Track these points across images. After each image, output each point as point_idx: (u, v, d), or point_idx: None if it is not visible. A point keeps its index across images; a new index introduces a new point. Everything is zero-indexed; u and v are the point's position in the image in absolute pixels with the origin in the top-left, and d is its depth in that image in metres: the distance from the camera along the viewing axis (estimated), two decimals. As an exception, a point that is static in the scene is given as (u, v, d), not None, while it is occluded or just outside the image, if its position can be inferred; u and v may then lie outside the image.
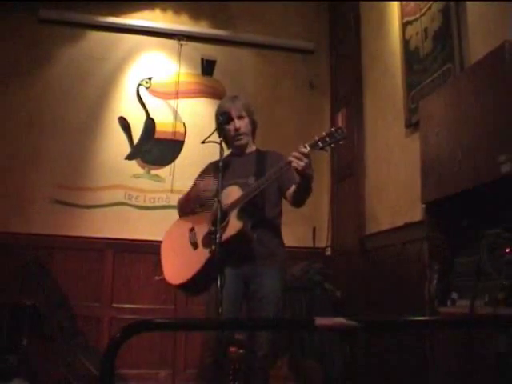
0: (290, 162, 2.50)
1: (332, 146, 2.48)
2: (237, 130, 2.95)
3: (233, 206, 2.66)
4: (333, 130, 2.48)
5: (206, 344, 2.69)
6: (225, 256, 2.46)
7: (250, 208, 2.69)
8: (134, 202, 5.18)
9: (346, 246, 4.91)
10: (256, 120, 3.11)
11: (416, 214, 3.50)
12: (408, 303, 3.43)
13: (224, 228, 2.60)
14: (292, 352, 4.01)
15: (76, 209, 5.05)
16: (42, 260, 4.63)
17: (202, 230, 2.79)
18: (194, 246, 2.79)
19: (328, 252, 5.23)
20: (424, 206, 3.00)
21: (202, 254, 2.69)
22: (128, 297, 4.89)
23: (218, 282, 2.25)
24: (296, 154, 2.48)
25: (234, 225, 2.60)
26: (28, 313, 4.09)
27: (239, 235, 2.60)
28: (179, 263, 2.80)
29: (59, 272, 4.68)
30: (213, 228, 2.65)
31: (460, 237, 2.64)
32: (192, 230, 2.85)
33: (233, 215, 2.63)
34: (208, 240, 2.71)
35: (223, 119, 2.80)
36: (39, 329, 4.13)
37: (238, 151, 3.06)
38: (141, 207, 5.15)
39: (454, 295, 2.55)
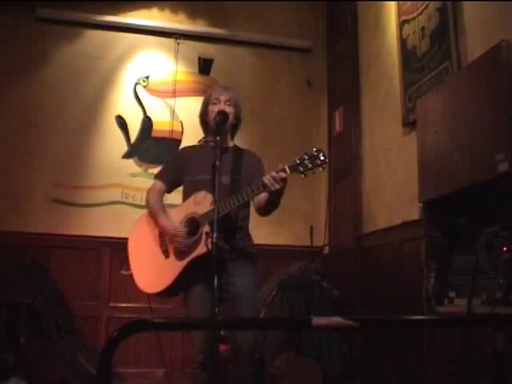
0: (264, 183, 2.44)
1: (313, 172, 2.42)
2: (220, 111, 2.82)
3: (205, 218, 2.59)
4: (314, 152, 2.41)
5: (193, 355, 2.66)
6: (197, 268, 2.51)
7: (223, 218, 2.58)
8: (131, 200, 5.18)
9: (343, 245, 4.91)
10: (241, 118, 2.98)
11: (413, 212, 3.51)
12: (406, 302, 3.44)
13: (197, 241, 2.58)
14: (290, 351, 4.00)
15: (73, 208, 5.05)
16: (40, 259, 4.63)
17: None
18: (165, 254, 2.75)
19: (326, 251, 5.23)
20: (421, 204, 3.00)
21: (174, 266, 2.66)
22: (125, 296, 4.89)
23: (215, 284, 2.22)
24: (273, 176, 2.41)
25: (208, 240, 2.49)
26: (26, 312, 4.09)
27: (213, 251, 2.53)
28: (150, 271, 2.77)
29: (57, 271, 4.68)
30: (187, 239, 2.65)
31: (457, 235, 2.64)
32: (161, 234, 2.80)
33: (206, 229, 2.55)
34: (180, 251, 2.67)
35: (220, 119, 2.76)
36: (37, 328, 4.12)
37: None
38: (137, 206, 5.14)
39: (452, 294, 2.55)
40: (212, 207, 2.52)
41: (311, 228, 4.96)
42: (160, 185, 2.96)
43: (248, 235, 2.89)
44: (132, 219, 4.98)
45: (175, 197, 3.07)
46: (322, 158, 2.40)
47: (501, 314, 2.12)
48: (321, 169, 2.42)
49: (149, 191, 2.97)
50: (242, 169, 2.82)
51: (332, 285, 4.39)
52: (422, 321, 1.72)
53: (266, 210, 2.73)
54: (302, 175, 2.42)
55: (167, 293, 2.72)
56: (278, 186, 2.42)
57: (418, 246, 3.22)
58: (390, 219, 4.04)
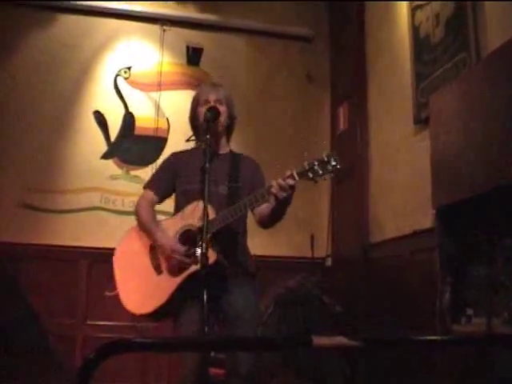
0: (271, 192, 2.43)
1: (324, 179, 2.38)
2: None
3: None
4: (325, 158, 2.36)
5: (182, 377, 2.64)
6: (193, 285, 2.44)
7: (221, 231, 2.60)
8: (110, 206, 5.16)
9: (347, 256, 4.90)
10: (235, 116, 3.00)
11: (425, 220, 3.50)
12: (416, 320, 3.42)
13: (196, 256, 2.52)
14: (287, 371, 3.99)
15: (47, 214, 5.02)
16: (9, 271, 4.60)
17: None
18: (157, 270, 2.73)
19: (328, 263, 5.22)
20: (435, 211, 2.99)
21: (168, 284, 2.65)
22: (105, 313, 4.85)
23: (204, 300, 2.21)
24: (281, 183, 2.39)
25: (209, 255, 2.43)
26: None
27: (213, 266, 2.50)
28: (140, 290, 2.74)
29: (28, 284, 4.64)
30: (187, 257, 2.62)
31: (475, 245, 2.63)
32: (152, 248, 2.78)
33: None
34: (174, 266, 2.66)
35: (211, 115, 2.74)
36: (7, 347, 4.10)
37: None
38: (119, 212, 5.13)
39: (469, 311, 2.54)
40: (211, 218, 2.52)
41: (312, 237, 4.96)
42: (150, 195, 2.95)
43: (247, 251, 2.90)
44: (112, 226, 5.05)
45: (168, 204, 3.06)
46: (334, 163, 2.35)
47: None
48: (331, 175, 2.38)
49: (138, 202, 2.95)
50: (240, 177, 2.82)
51: (334, 300, 4.38)
52: (435, 341, 1.70)
53: (270, 220, 2.72)
54: (313, 181, 2.39)
55: (159, 314, 2.69)
56: (285, 194, 2.41)
57: (431, 257, 3.21)
58: (398, 227, 4.03)
